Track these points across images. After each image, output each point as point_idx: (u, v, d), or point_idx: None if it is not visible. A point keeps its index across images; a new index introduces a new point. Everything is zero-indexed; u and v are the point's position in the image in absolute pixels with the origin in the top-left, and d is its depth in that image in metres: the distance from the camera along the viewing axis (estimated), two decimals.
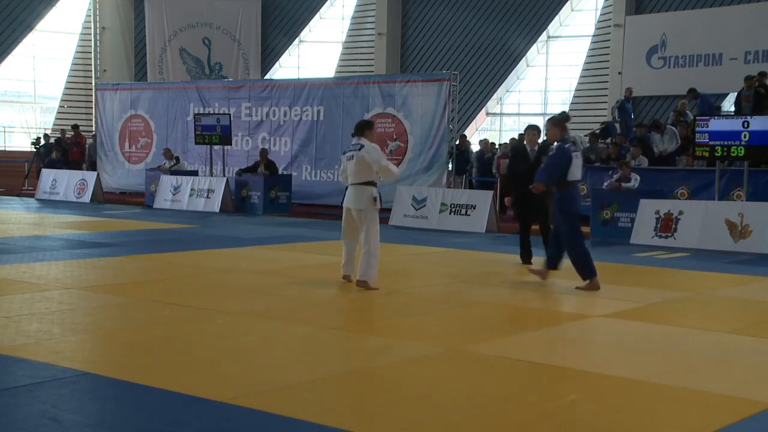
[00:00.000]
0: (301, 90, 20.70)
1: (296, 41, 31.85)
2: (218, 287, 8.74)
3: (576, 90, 27.09)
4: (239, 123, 21.17)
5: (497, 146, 20.59)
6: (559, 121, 9.16)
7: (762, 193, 14.64)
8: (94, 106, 27.41)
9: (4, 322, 6.70)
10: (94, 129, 26.64)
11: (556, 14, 27.59)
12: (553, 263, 9.36)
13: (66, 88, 31.78)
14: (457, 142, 19.81)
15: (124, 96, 23.65)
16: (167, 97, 22.94)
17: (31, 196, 22.92)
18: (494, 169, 19.04)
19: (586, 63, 26.78)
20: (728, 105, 21.80)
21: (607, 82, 25.73)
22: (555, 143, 9.20)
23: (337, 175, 19.58)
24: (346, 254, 8.98)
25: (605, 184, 15.31)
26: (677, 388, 5.28)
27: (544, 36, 28.20)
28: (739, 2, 23.49)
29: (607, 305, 8.10)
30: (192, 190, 19.61)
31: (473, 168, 20.16)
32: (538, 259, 10.00)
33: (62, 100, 31.76)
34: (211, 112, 21.00)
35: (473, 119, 28.58)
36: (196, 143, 20.52)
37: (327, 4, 31.62)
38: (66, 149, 24.24)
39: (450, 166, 18.79)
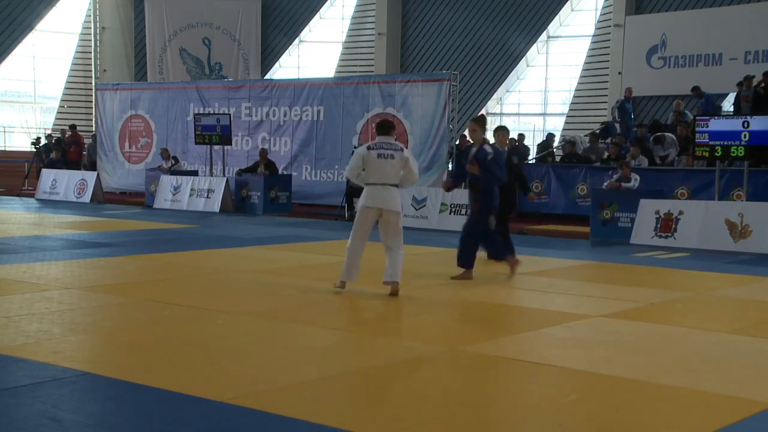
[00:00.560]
0: (301, 90, 20.70)
1: (296, 41, 31.85)
2: (218, 287, 8.74)
3: (576, 90, 27.09)
4: (239, 123, 21.17)
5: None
6: (483, 122, 9.72)
7: (762, 193, 14.65)
8: (94, 106, 27.41)
9: (4, 322, 6.70)
10: (94, 129, 26.65)
11: (556, 14, 27.59)
12: (508, 252, 10.19)
13: (66, 88, 31.78)
14: (457, 142, 19.80)
15: (124, 96, 23.65)
16: (167, 97, 22.95)
17: (31, 196, 22.92)
18: None
19: (586, 63, 26.78)
20: (728, 105, 21.80)
21: (607, 82, 25.73)
22: (484, 145, 9.53)
23: (338, 175, 19.59)
24: (355, 258, 8.32)
25: (605, 184, 15.31)
26: (677, 388, 5.28)
27: (544, 36, 28.20)
28: (739, 2, 23.49)
29: (607, 305, 8.10)
30: (192, 190, 19.61)
31: None
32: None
33: (62, 100, 31.76)
34: (211, 112, 21.01)
35: None
36: (196, 143, 20.52)
37: (327, 4, 31.62)
38: (65, 149, 24.25)
39: (450, 166, 18.79)
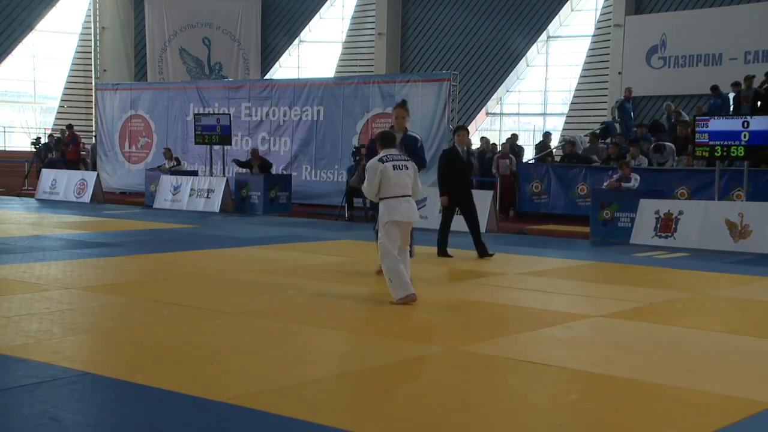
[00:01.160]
0: (301, 90, 20.70)
1: (296, 41, 31.86)
2: (218, 287, 8.74)
3: (576, 90, 27.09)
4: (239, 123, 21.17)
5: (499, 147, 20.57)
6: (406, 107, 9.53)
7: (762, 193, 14.65)
8: (94, 106, 27.41)
9: (4, 322, 6.70)
10: (94, 129, 26.65)
11: (556, 14, 27.60)
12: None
13: (66, 88, 31.79)
14: None
15: (124, 96, 23.66)
16: (167, 97, 22.95)
17: (31, 196, 22.92)
18: (494, 169, 19.05)
19: (586, 63, 26.79)
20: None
21: (607, 82, 25.73)
22: (408, 132, 9.48)
23: (338, 175, 19.60)
24: (404, 274, 7.95)
25: (605, 184, 15.31)
26: (677, 388, 5.28)
27: (544, 36, 28.20)
28: (739, 2, 23.49)
29: (607, 305, 8.09)
30: (192, 190, 19.61)
31: (473, 168, 20.14)
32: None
33: (62, 100, 31.77)
34: (211, 112, 21.01)
35: (473, 119, 28.57)
36: (196, 143, 20.52)
37: (327, 4, 31.63)
38: (63, 149, 24.26)
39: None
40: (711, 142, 13.70)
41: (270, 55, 31.66)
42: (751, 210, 13.22)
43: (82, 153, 25.21)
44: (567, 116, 27.26)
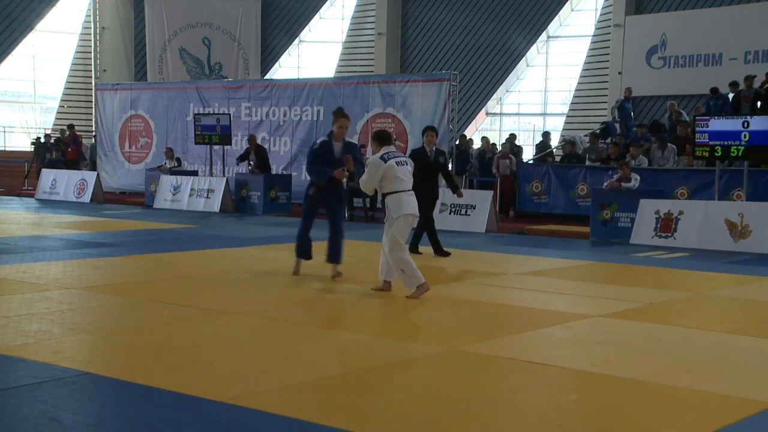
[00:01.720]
0: (301, 90, 20.70)
1: (296, 41, 31.87)
2: (218, 287, 8.74)
3: (576, 90, 27.10)
4: (239, 123, 21.17)
5: (499, 147, 20.58)
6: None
7: (762, 193, 14.65)
8: (94, 106, 27.42)
9: (4, 322, 6.70)
10: (94, 129, 26.66)
11: (556, 14, 27.60)
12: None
13: (66, 88, 31.80)
14: (457, 142, 19.81)
15: (124, 96, 23.66)
16: (167, 97, 22.95)
17: (31, 196, 22.92)
18: (494, 169, 19.05)
19: (586, 63, 26.79)
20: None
21: (607, 82, 25.74)
22: (347, 139, 9.49)
23: None
24: (414, 265, 8.20)
25: (605, 184, 15.31)
26: (677, 388, 5.28)
27: (544, 36, 28.21)
28: (739, 2, 23.50)
29: (607, 305, 8.09)
30: (192, 190, 19.61)
31: (473, 168, 20.16)
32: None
33: (62, 100, 31.78)
34: (211, 112, 21.01)
35: (473, 119, 28.59)
36: (196, 143, 20.52)
37: (327, 4, 31.64)
38: (63, 149, 24.25)
39: (450, 166, 18.78)
40: (711, 142, 13.70)
41: (270, 55, 31.67)
42: (751, 210, 13.22)
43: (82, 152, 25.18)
44: (567, 116, 27.26)
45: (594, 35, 26.69)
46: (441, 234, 14.68)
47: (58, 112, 31.59)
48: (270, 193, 19.11)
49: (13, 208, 19.19)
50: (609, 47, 25.75)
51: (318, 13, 31.68)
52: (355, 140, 19.18)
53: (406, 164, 8.37)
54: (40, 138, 25.87)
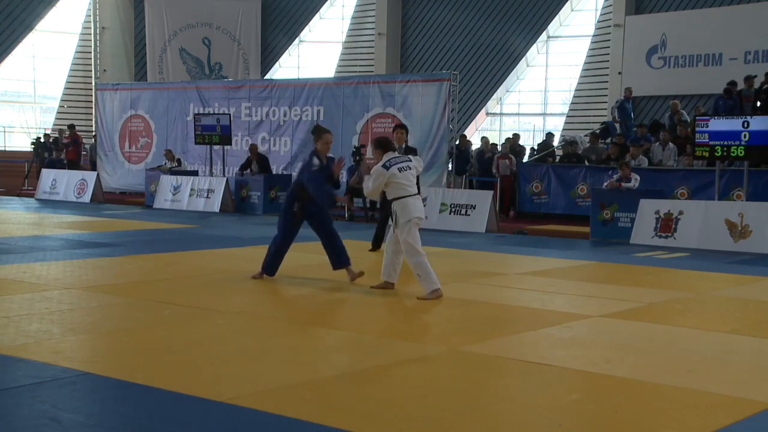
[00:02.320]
0: (301, 90, 20.70)
1: (296, 41, 31.87)
2: (218, 287, 8.74)
3: (576, 90, 27.09)
4: (239, 123, 21.17)
5: (498, 147, 20.58)
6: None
7: (762, 193, 14.65)
8: (94, 106, 27.42)
9: (4, 322, 6.70)
10: (94, 129, 26.66)
11: (556, 14, 27.60)
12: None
13: (66, 88, 31.80)
14: (457, 142, 19.81)
15: (124, 96, 23.66)
16: (167, 97, 22.95)
17: (31, 196, 22.92)
18: (494, 169, 19.05)
19: (586, 63, 26.79)
20: None
21: (607, 82, 25.74)
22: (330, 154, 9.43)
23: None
24: (430, 267, 8.27)
25: (605, 184, 15.31)
26: (677, 388, 5.28)
27: (544, 36, 28.21)
28: (739, 2, 23.50)
29: (607, 305, 8.10)
30: (192, 190, 19.61)
31: (473, 168, 20.17)
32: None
33: (62, 100, 31.78)
34: (211, 112, 21.01)
35: (473, 119, 28.59)
36: (196, 143, 20.52)
37: (327, 4, 31.63)
38: (62, 149, 24.25)
39: (450, 166, 18.80)
40: (711, 142, 13.70)
41: (270, 55, 31.67)
42: (751, 210, 13.22)
43: (82, 153, 25.19)
44: (567, 116, 27.26)
45: (594, 35, 26.69)
46: (441, 234, 14.72)
47: (58, 112, 31.59)
48: (270, 193, 19.11)
49: (13, 208, 19.19)
50: (609, 47, 25.75)
51: (318, 13, 31.68)
52: (354, 140, 19.23)
53: (409, 168, 8.41)
54: (40, 138, 25.86)
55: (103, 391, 5.02)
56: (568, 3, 27.51)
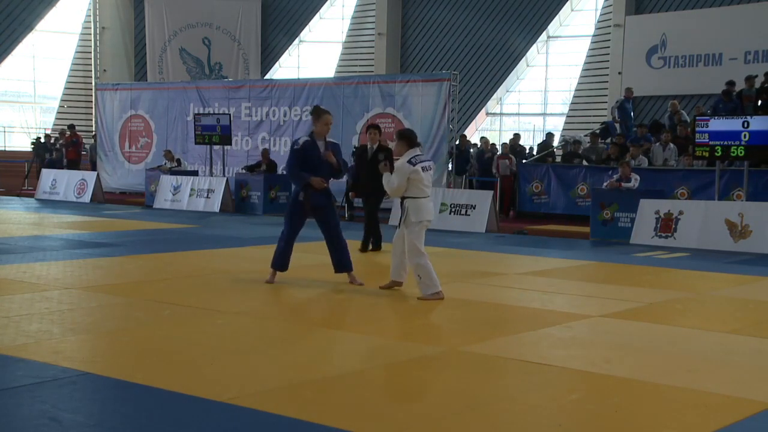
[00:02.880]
0: (301, 90, 20.70)
1: (296, 41, 31.87)
2: (218, 287, 8.74)
3: (576, 90, 27.10)
4: (239, 123, 21.17)
5: (498, 147, 20.58)
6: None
7: (762, 193, 14.65)
8: (94, 106, 27.42)
9: (4, 322, 6.70)
10: (94, 129, 26.66)
11: (556, 14, 27.61)
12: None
13: (66, 88, 31.80)
14: (457, 142, 19.81)
15: (124, 96, 23.66)
16: (167, 97, 22.95)
17: (31, 196, 22.92)
18: (494, 169, 19.05)
19: (586, 63, 26.80)
20: None
21: (607, 82, 25.74)
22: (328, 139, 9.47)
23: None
24: (432, 269, 8.25)
25: (605, 184, 15.31)
26: (677, 388, 5.28)
27: (544, 36, 28.21)
28: (739, 2, 23.50)
29: (607, 305, 8.10)
30: (192, 190, 19.61)
31: (473, 168, 20.17)
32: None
33: (62, 100, 31.78)
34: (211, 112, 21.01)
35: (473, 119, 28.59)
36: (196, 143, 20.52)
37: (327, 4, 31.64)
38: (61, 149, 24.26)
39: (450, 166, 18.80)
40: (711, 142, 13.70)
41: (270, 55, 31.67)
42: (751, 210, 13.22)
43: (82, 153, 25.19)
44: (567, 116, 27.27)
45: (594, 35, 26.69)
46: (441, 234, 14.71)
47: (58, 112, 31.60)
48: (270, 193, 19.11)
49: (13, 208, 19.19)
50: (609, 47, 25.76)
51: (318, 13, 31.68)
52: (355, 141, 19.22)
53: (430, 169, 8.40)
54: (39, 138, 25.86)
55: (103, 391, 5.02)
56: (568, 3, 27.51)
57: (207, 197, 19.31)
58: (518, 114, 29.89)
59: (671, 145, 17.26)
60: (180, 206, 19.47)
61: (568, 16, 28.22)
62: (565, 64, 28.24)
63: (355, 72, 28.81)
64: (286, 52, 31.84)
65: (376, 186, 11.31)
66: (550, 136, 22.08)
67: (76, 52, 31.86)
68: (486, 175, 19.39)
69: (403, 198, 8.30)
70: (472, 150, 20.90)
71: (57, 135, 25.40)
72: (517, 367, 5.80)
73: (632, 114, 21.69)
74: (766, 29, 22.12)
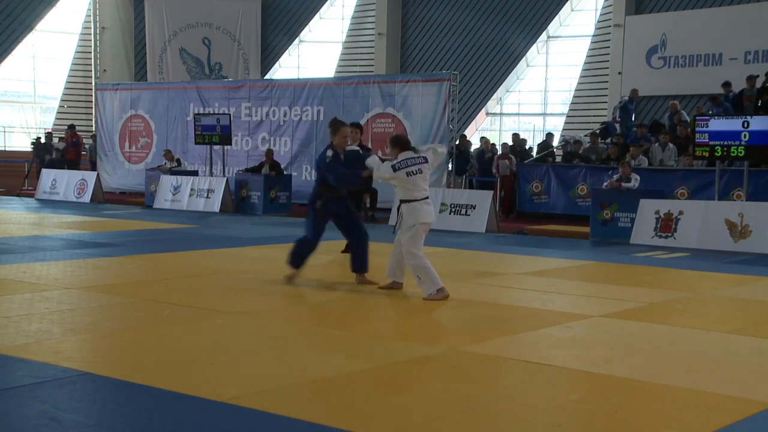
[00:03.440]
0: (301, 90, 20.70)
1: (296, 41, 31.87)
2: (218, 287, 8.74)
3: (576, 90, 27.10)
4: (239, 123, 21.17)
5: (498, 147, 20.57)
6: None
7: (762, 193, 14.65)
8: (94, 106, 27.43)
9: (4, 322, 6.70)
10: (94, 129, 26.66)
11: (556, 14, 27.61)
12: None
13: (66, 88, 31.79)
14: (457, 142, 19.81)
15: (124, 96, 23.66)
16: (167, 97, 22.95)
17: (31, 196, 22.92)
18: (494, 169, 19.05)
19: (586, 63, 26.80)
20: None
21: (607, 82, 25.74)
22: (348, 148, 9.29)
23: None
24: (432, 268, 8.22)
25: (605, 184, 15.31)
26: (677, 388, 5.28)
27: (544, 36, 28.21)
28: (739, 2, 23.50)
29: (607, 305, 8.10)
30: (192, 190, 19.61)
31: (473, 168, 20.17)
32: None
33: (62, 100, 31.77)
34: (211, 112, 21.01)
35: (473, 119, 28.59)
36: (196, 143, 20.52)
37: (327, 4, 31.64)
38: (60, 150, 24.25)
39: (450, 166, 18.80)
40: (711, 142, 13.70)
41: (270, 55, 31.66)
42: (751, 210, 13.22)
43: (82, 153, 25.20)
44: (567, 116, 27.27)
45: (594, 35, 26.69)
46: (441, 234, 14.71)
47: (58, 112, 31.59)
48: (270, 193, 19.11)
49: (13, 208, 19.19)
50: (609, 47, 25.75)
51: (318, 13, 31.67)
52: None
53: (420, 172, 8.19)
54: (40, 138, 25.86)
55: (103, 391, 5.02)
56: (568, 3, 27.51)
57: (207, 197, 19.31)
58: (518, 114, 29.88)
59: (670, 145, 17.26)
60: (180, 206, 19.47)
61: (568, 16, 28.22)
62: (565, 64, 28.24)
63: (355, 72, 28.81)
64: (286, 52, 31.84)
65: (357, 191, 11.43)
66: (550, 136, 22.08)
67: (76, 52, 31.85)
68: (486, 175, 19.39)
69: (400, 202, 8.32)
70: (472, 150, 20.91)
71: (62, 135, 25.39)
72: (517, 367, 5.80)
73: (633, 114, 21.69)
74: (766, 29, 22.12)
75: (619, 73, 24.82)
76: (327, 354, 6.16)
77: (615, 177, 15.12)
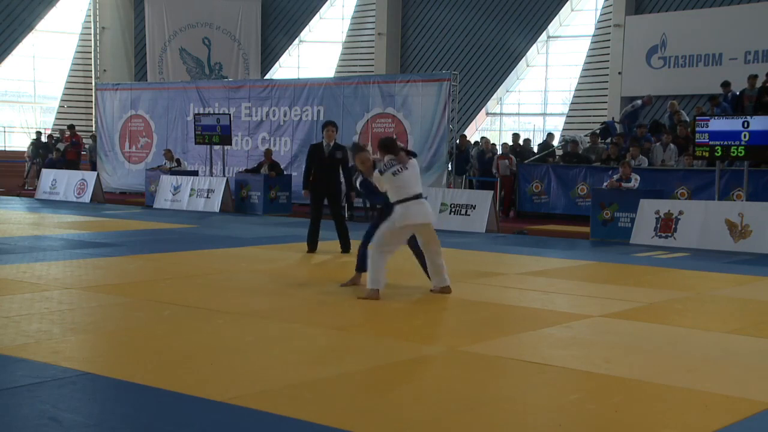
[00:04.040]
0: (301, 90, 20.71)
1: (296, 41, 31.87)
2: (218, 287, 8.74)
3: (576, 90, 27.10)
4: (239, 123, 21.18)
5: (498, 147, 20.57)
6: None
7: (762, 193, 14.65)
8: (94, 106, 27.43)
9: (4, 322, 6.70)
10: (94, 129, 26.66)
11: (556, 14, 27.61)
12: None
13: (66, 88, 31.80)
14: (458, 142, 19.82)
15: (124, 96, 23.66)
16: (167, 97, 22.96)
17: (31, 196, 22.92)
18: (494, 169, 19.05)
19: (586, 63, 26.80)
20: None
21: (607, 82, 25.74)
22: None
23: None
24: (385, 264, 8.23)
25: (605, 184, 15.31)
26: (677, 388, 5.28)
27: (544, 36, 28.22)
28: (739, 2, 23.50)
29: (607, 305, 8.09)
30: (192, 190, 19.62)
31: (473, 168, 20.17)
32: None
33: (62, 100, 31.78)
34: (211, 112, 21.01)
35: (473, 119, 28.60)
36: (196, 143, 20.53)
37: (327, 4, 31.64)
38: (59, 150, 24.26)
39: (450, 166, 18.80)
40: (711, 142, 13.70)
41: (270, 55, 31.67)
42: (751, 210, 13.22)
43: (82, 153, 25.21)
44: (567, 116, 27.27)
45: (594, 35, 26.70)
46: (441, 234, 14.68)
47: (58, 112, 31.59)
48: (270, 193, 19.11)
49: (13, 208, 19.20)
50: (609, 47, 25.76)
51: (318, 13, 31.68)
52: (355, 140, 19.23)
53: (405, 170, 8.19)
54: (40, 134, 25.84)
55: (103, 391, 5.02)
56: (568, 3, 27.52)
57: (207, 197, 19.32)
58: (518, 114, 29.89)
59: (671, 145, 17.26)
60: (180, 206, 19.47)
61: (568, 16, 28.23)
62: (565, 64, 28.24)
63: (355, 72, 28.82)
64: (286, 52, 31.84)
65: (335, 186, 11.64)
66: (550, 136, 22.09)
67: (76, 52, 31.85)
68: (486, 175, 19.39)
69: (394, 204, 8.29)
70: (472, 150, 20.91)
71: (58, 135, 25.39)
72: (517, 367, 5.80)
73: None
74: (766, 29, 22.12)
75: (619, 73, 24.82)
76: (327, 354, 6.16)
77: (615, 177, 15.12)
